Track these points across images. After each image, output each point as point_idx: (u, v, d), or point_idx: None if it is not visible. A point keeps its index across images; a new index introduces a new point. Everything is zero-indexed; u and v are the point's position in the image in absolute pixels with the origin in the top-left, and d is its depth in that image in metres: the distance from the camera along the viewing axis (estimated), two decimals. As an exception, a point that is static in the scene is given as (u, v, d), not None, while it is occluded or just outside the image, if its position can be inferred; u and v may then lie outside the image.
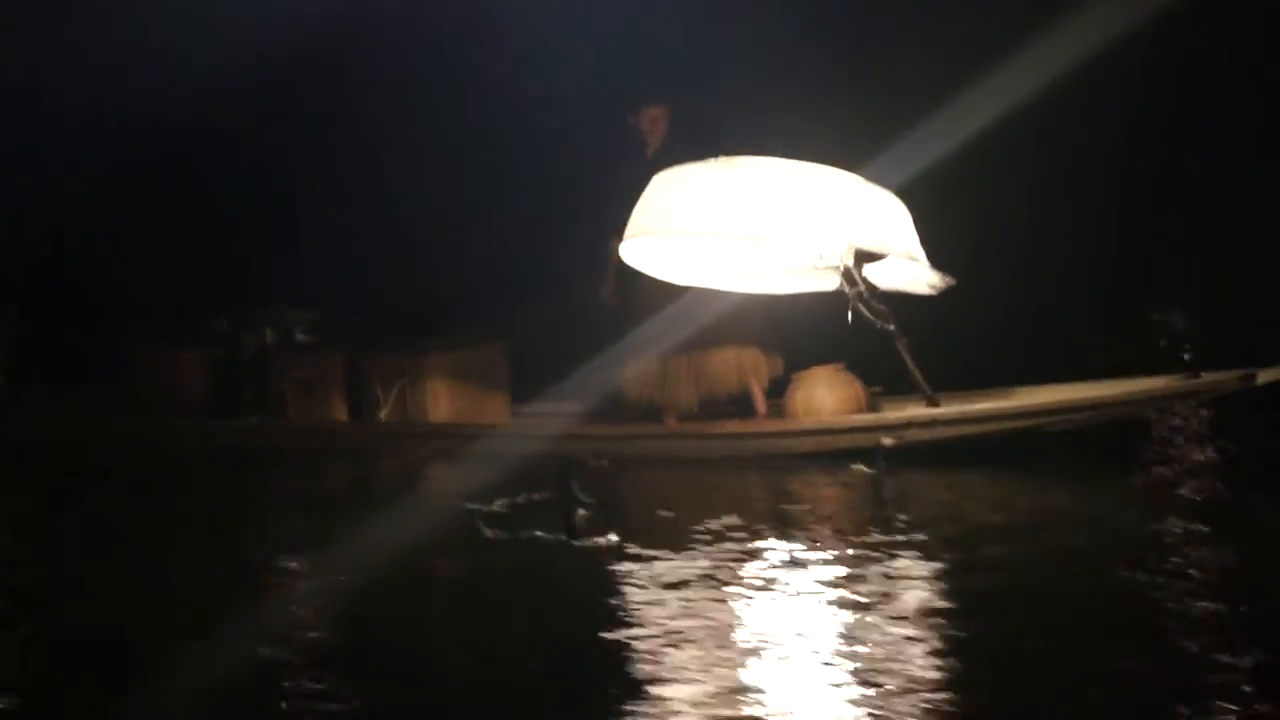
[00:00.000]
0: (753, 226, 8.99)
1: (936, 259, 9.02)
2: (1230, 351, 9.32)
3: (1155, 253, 10.95)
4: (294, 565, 7.26)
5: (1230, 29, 11.05)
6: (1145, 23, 10.52)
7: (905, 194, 9.02)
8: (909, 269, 9.12)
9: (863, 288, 9.07)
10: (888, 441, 8.91)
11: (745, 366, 9.59)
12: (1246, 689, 5.29)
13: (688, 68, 10.62)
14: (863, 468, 8.90)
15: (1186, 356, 9.95)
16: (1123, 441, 9.13)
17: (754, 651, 5.97)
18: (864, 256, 9.10)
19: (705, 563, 7.14)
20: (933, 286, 9.15)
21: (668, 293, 9.51)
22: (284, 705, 5.51)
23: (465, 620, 6.62)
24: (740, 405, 9.68)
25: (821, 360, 9.52)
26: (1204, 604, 6.23)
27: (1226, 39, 11.05)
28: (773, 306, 9.55)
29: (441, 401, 9.95)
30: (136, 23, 11.82)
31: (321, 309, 10.64)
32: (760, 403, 9.62)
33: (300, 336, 10.40)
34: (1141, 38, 10.54)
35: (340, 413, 10.09)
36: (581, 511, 8.08)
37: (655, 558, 7.28)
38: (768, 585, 6.83)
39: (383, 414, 9.98)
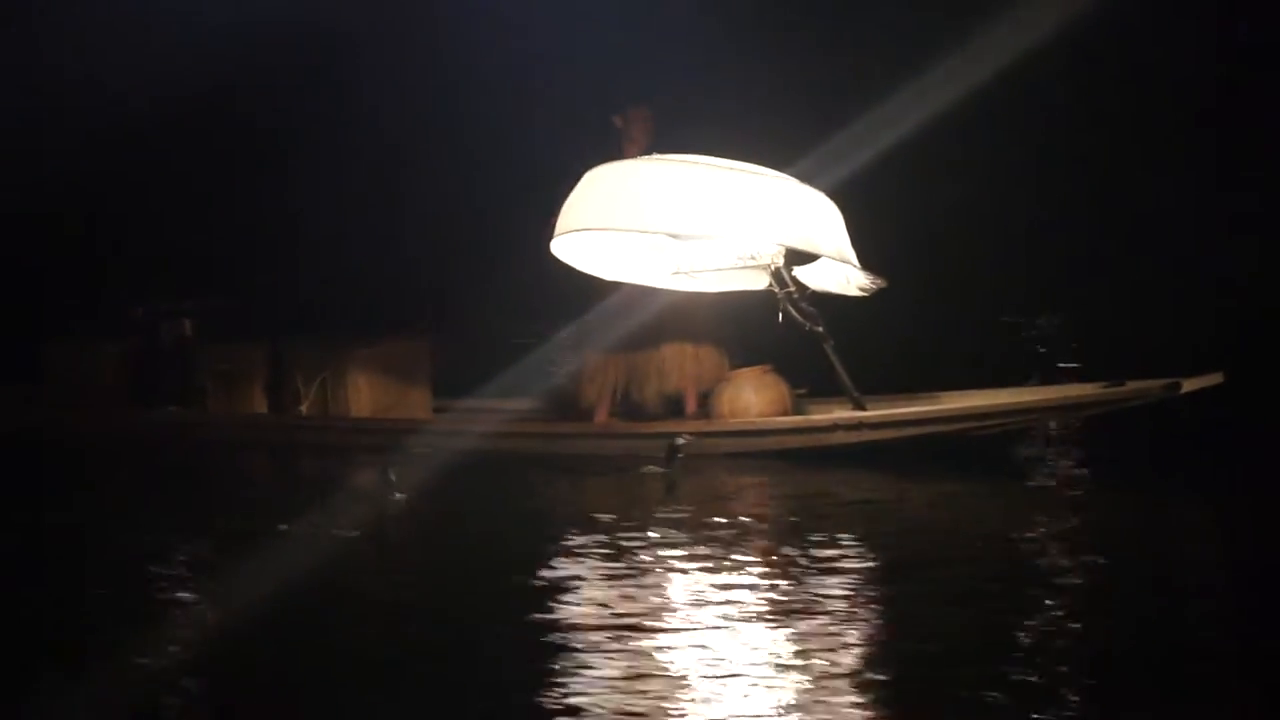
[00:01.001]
0: (684, 224, 9.00)
1: (867, 261, 9.04)
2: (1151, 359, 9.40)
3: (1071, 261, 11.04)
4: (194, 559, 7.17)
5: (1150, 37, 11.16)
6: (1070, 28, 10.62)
7: (837, 195, 9.03)
8: (839, 271, 9.12)
9: (793, 288, 9.08)
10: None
11: (688, 364, 9.57)
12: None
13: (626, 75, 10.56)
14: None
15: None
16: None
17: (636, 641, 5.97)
18: (795, 257, 9.11)
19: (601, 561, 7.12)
20: (863, 289, 9.15)
21: (606, 290, 9.49)
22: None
23: (372, 611, 6.55)
24: (673, 404, 9.67)
25: (749, 361, 9.52)
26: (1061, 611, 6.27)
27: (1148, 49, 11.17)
28: (722, 304, 9.52)
29: (363, 396, 9.87)
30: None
31: (240, 299, 10.58)
32: (691, 402, 9.59)
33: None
34: (1067, 40, 10.63)
35: (261, 405, 10.01)
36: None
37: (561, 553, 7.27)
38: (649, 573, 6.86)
39: (304, 407, 9.90)
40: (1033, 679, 5.40)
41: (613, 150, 9.51)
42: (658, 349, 9.56)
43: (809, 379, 9.51)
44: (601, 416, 9.65)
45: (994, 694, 5.24)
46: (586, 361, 9.62)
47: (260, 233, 11.72)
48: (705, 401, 9.52)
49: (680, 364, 9.55)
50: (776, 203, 8.93)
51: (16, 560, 7.40)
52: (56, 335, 10.55)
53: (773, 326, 9.16)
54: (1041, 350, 11.35)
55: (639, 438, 9.42)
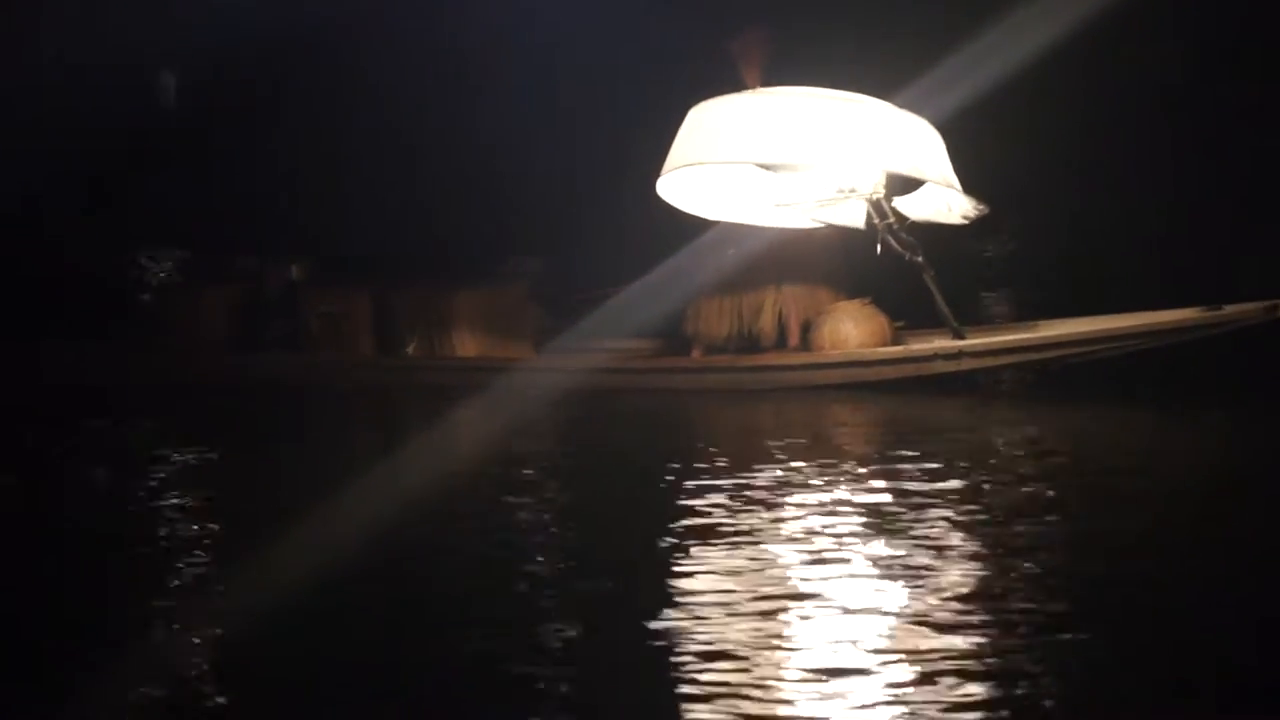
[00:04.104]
0: (789, 154, 9.10)
1: (971, 188, 9.12)
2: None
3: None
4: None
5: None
6: None
7: (942, 124, 9.12)
8: (940, 198, 9.21)
9: (892, 219, 9.17)
10: None
11: (804, 299, 9.68)
12: None
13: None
14: None
15: None
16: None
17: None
18: (895, 187, 9.20)
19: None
20: (965, 216, 9.24)
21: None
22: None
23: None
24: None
25: (848, 296, 9.65)
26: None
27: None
28: (834, 240, 9.62)
29: (468, 339, 10.03)
30: None
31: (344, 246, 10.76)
32: (794, 335, 9.71)
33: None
34: None
35: (367, 349, 10.17)
36: None
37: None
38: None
39: (410, 349, 10.06)
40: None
41: (730, 76, 9.54)
42: (778, 285, 9.68)
43: (907, 313, 9.63)
44: (697, 354, 9.79)
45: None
46: (698, 300, 9.75)
47: (357, 179, 11.81)
48: (805, 334, 9.65)
49: (797, 298, 9.66)
50: (880, 129, 9.00)
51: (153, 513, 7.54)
52: (165, 282, 10.75)
53: (871, 260, 9.26)
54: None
55: (743, 371, 9.57)
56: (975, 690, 4.55)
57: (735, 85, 9.44)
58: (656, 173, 9.29)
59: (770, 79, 9.40)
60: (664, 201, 9.40)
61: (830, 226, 9.46)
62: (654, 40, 10.65)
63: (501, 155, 11.65)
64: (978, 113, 9.59)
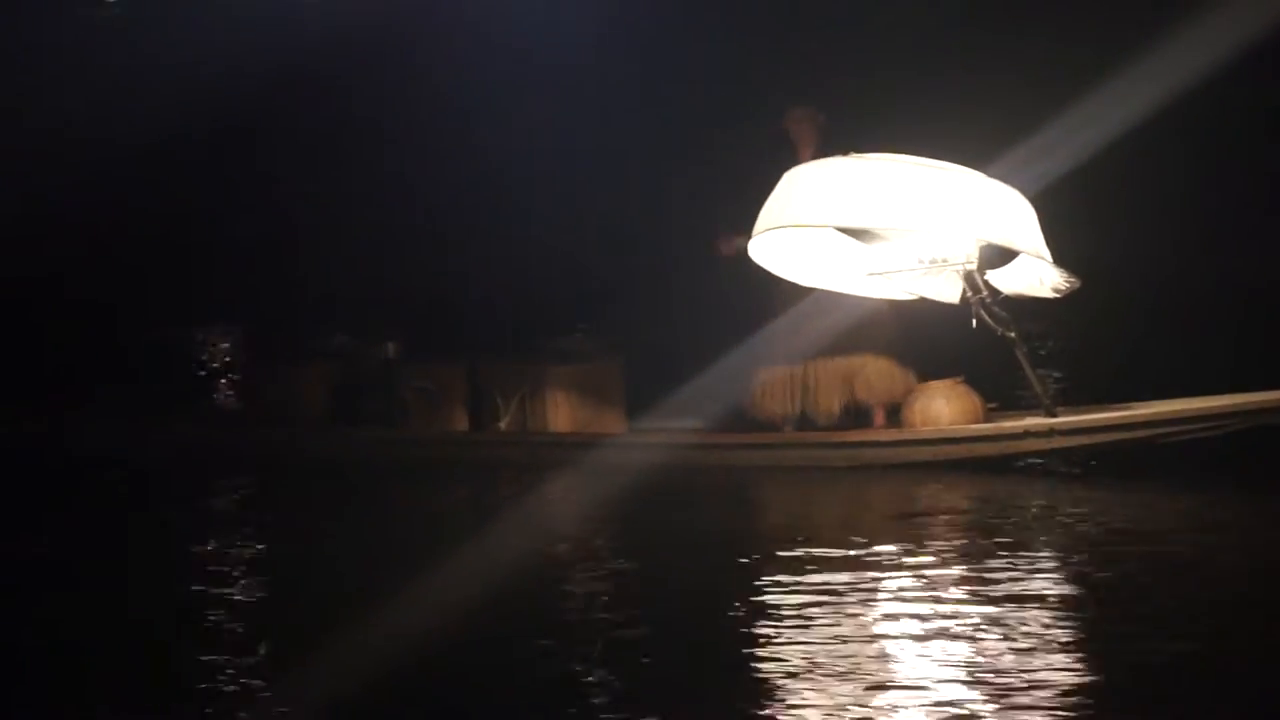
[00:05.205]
0: (885, 219, 9.10)
1: (1064, 261, 9.10)
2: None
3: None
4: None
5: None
6: None
7: (1038, 196, 9.13)
8: (1032, 271, 9.20)
9: (985, 293, 9.16)
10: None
11: (876, 379, 9.66)
12: None
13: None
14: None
15: None
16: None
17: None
18: (987, 261, 9.19)
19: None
20: (1056, 289, 9.21)
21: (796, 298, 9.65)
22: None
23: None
24: (856, 416, 9.79)
25: (939, 375, 9.63)
26: None
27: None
28: (911, 318, 9.63)
29: (561, 412, 10.08)
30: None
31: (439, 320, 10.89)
32: (878, 416, 9.69)
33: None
34: None
35: (461, 423, 10.26)
36: None
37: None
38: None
39: (503, 423, 10.13)
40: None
41: (785, 155, 9.60)
42: (848, 359, 9.68)
43: (1000, 395, 9.63)
44: (786, 427, 9.78)
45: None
46: (764, 375, 9.77)
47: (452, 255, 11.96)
48: (895, 413, 9.64)
49: (869, 377, 9.64)
50: (974, 198, 9.00)
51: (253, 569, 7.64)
52: (261, 358, 10.90)
53: (965, 340, 9.25)
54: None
55: (832, 447, 9.57)
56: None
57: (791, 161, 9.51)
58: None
59: (831, 151, 9.44)
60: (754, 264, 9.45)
61: (898, 299, 9.49)
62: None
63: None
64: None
